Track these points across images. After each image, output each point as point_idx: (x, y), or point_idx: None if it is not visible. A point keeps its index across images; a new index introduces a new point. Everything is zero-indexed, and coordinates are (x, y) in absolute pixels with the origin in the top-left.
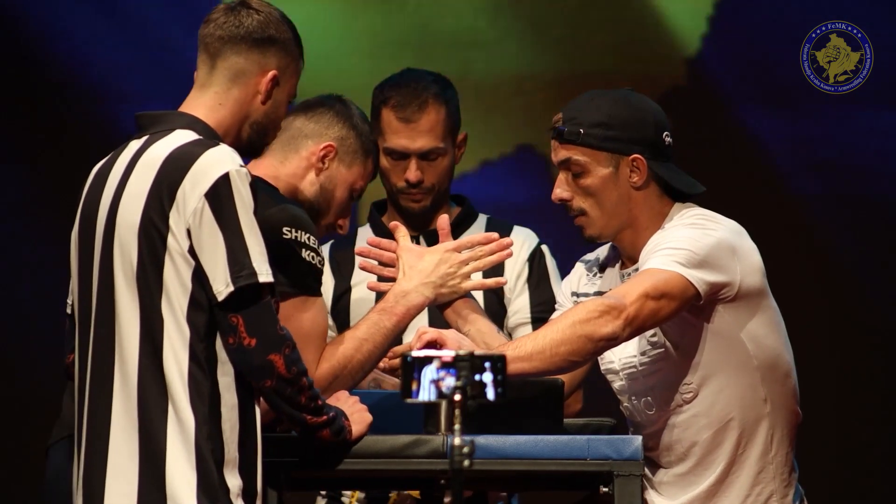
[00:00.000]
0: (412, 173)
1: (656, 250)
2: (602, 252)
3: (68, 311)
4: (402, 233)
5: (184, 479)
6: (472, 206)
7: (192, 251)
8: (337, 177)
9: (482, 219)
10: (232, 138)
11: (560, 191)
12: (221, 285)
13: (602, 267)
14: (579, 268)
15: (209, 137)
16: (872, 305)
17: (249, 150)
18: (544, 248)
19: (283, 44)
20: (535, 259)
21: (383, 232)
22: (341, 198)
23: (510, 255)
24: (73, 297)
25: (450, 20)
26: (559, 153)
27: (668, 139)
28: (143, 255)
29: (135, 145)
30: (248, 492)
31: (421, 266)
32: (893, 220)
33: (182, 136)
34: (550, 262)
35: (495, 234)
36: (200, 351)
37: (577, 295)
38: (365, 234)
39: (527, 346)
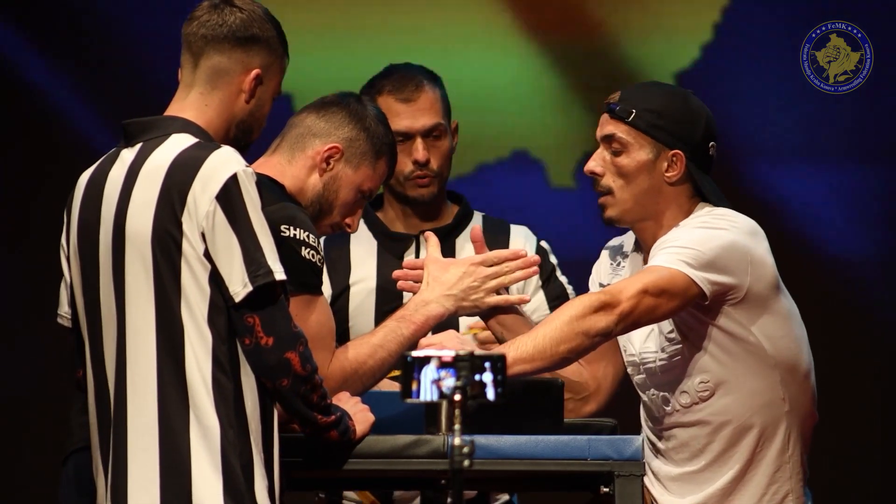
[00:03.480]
0: (419, 152)
1: (664, 247)
2: (627, 240)
3: (65, 322)
4: (433, 242)
5: (209, 484)
6: (468, 203)
7: (207, 254)
8: (342, 178)
9: (478, 216)
10: (220, 139)
11: (594, 164)
12: (238, 286)
13: (626, 255)
14: (604, 256)
15: (205, 139)
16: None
17: (235, 148)
18: (544, 244)
19: (267, 42)
20: (541, 259)
21: (376, 227)
22: (346, 199)
23: (537, 272)
24: (67, 309)
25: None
26: (605, 127)
27: (712, 150)
28: (158, 263)
29: (128, 154)
30: (270, 491)
31: (445, 277)
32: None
33: (181, 141)
34: (552, 257)
35: (523, 251)
36: (223, 354)
37: (603, 286)
38: (359, 231)
39: (528, 346)
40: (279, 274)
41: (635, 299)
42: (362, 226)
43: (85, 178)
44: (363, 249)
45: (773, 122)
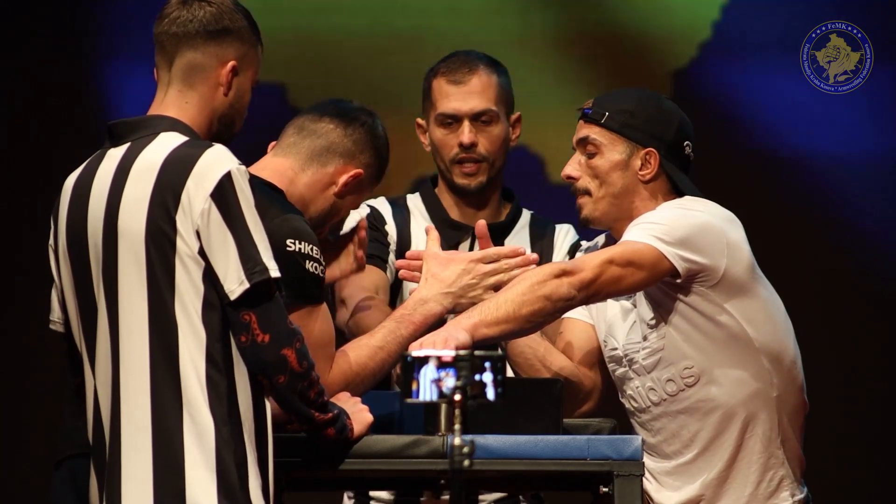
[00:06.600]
0: (465, 136)
1: (637, 224)
2: (601, 242)
3: (57, 328)
4: (433, 237)
5: (203, 483)
6: (519, 202)
7: (201, 252)
8: (349, 203)
9: (526, 215)
10: (203, 134)
11: (571, 168)
12: (234, 283)
13: None
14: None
15: (194, 138)
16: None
17: (218, 141)
18: (584, 243)
19: (239, 32)
20: (574, 254)
21: (437, 212)
22: (343, 215)
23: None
24: (59, 314)
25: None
26: (580, 132)
27: (688, 149)
28: (152, 261)
29: (117, 153)
30: (264, 490)
31: (444, 275)
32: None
33: (172, 139)
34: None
35: (522, 248)
36: (217, 351)
37: None
38: (414, 202)
39: (492, 311)
40: (274, 271)
41: (599, 268)
42: (423, 208)
43: (71, 180)
44: (423, 235)
45: (772, 121)
